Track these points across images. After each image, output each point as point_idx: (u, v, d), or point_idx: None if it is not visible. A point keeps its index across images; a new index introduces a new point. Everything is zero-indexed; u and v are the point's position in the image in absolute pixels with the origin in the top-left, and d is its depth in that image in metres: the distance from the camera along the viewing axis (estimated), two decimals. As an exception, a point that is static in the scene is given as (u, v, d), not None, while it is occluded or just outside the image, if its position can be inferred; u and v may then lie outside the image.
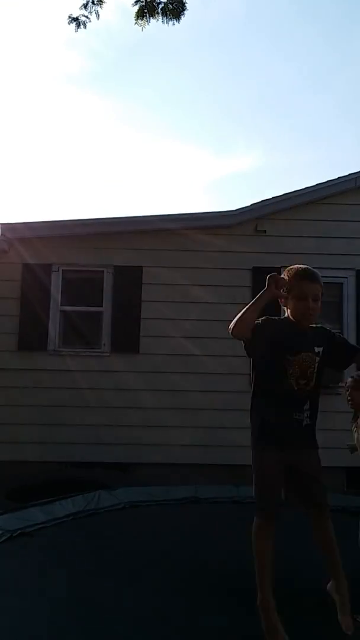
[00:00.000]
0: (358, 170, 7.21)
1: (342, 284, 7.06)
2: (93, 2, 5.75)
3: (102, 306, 7.10)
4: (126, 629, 2.60)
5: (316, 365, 2.69)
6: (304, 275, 2.68)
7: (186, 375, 6.87)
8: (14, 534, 3.67)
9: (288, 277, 2.70)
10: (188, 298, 7.01)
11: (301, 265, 2.76)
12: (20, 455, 6.60)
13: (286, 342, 2.65)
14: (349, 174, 7.20)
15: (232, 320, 2.69)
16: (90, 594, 2.95)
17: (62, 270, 7.14)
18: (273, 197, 7.15)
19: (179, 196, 20.56)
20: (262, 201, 7.16)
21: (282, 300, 2.72)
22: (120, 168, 19.85)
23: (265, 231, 7.11)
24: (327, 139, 18.87)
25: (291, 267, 2.76)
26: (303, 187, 7.18)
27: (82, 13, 5.78)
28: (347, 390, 3.97)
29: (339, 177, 7.22)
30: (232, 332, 2.59)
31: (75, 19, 5.80)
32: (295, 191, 7.12)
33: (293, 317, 2.70)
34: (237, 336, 2.59)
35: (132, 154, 19.72)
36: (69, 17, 5.80)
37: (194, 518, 4.35)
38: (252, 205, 7.17)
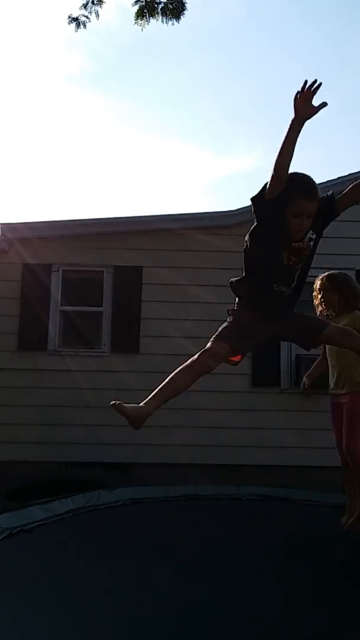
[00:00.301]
0: (358, 170, 7.20)
1: (342, 283, 7.05)
2: (93, 2, 5.78)
3: (102, 306, 7.10)
4: (125, 622, 2.60)
5: (310, 250, 2.69)
6: (305, 193, 2.54)
7: (186, 375, 6.86)
8: (13, 532, 3.67)
9: (288, 183, 2.51)
10: (188, 298, 7.01)
11: (303, 177, 2.59)
12: (20, 455, 6.59)
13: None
14: (349, 174, 7.18)
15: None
16: (89, 589, 2.94)
17: (62, 270, 7.14)
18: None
19: (179, 196, 20.59)
20: (263, 201, 7.14)
21: None
22: (120, 168, 19.87)
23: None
24: (327, 139, 18.85)
25: (294, 173, 2.56)
26: (303, 187, 7.16)
27: (82, 13, 5.82)
28: (320, 293, 3.71)
29: (338, 177, 7.19)
30: (275, 172, 2.45)
31: (75, 19, 5.83)
32: (295, 191, 7.11)
33: None
34: (278, 179, 2.46)
35: (132, 154, 19.74)
36: (69, 17, 5.84)
37: (194, 514, 4.35)
38: (252, 205, 7.16)
